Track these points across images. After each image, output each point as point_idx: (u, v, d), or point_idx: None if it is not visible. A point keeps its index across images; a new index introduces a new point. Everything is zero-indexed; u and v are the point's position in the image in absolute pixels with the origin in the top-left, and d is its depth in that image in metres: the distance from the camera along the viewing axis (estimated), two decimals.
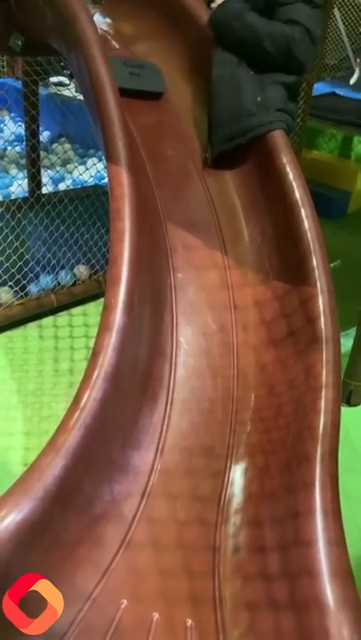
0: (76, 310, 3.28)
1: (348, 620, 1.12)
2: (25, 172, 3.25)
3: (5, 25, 2.31)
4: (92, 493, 1.37)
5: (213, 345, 1.76)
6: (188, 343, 1.74)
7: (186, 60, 2.25)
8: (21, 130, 3.14)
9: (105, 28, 2.46)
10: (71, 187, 3.37)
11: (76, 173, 3.56)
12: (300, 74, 2.02)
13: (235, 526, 1.45)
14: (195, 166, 2.07)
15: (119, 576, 1.33)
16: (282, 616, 1.21)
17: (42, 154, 3.15)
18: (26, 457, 2.30)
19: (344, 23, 5.97)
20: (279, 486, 1.41)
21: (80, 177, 3.54)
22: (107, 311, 1.44)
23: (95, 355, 1.38)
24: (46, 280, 3.17)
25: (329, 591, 1.16)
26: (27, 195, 3.05)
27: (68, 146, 4.06)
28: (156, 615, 1.29)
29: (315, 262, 1.67)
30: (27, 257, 3.04)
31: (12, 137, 3.79)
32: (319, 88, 5.36)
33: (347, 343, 2.68)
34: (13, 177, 3.46)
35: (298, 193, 1.77)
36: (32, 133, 2.99)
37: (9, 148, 3.94)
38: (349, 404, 2.74)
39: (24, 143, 3.14)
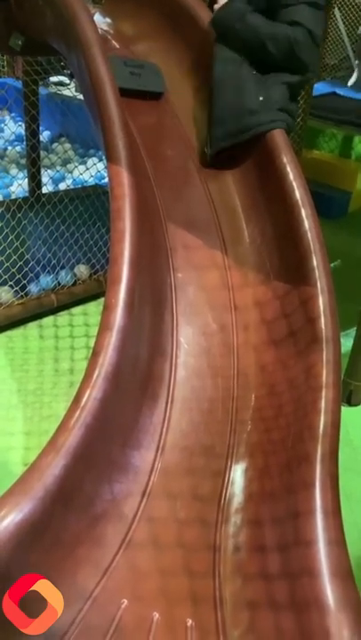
0: (77, 310, 3.28)
1: (348, 621, 1.12)
2: (25, 171, 3.25)
3: (5, 25, 2.31)
4: (92, 493, 1.37)
5: (214, 345, 1.76)
6: (188, 343, 1.74)
7: (186, 59, 2.25)
8: (22, 129, 3.14)
9: (105, 28, 2.46)
10: (71, 186, 3.37)
11: (76, 173, 3.56)
12: (303, 74, 2.02)
13: (235, 526, 1.45)
14: (195, 166, 2.07)
15: (119, 576, 1.33)
16: (282, 616, 1.21)
17: (42, 153, 3.15)
18: (26, 457, 2.30)
19: (344, 23, 5.97)
20: (279, 486, 1.42)
21: (80, 177, 3.54)
22: (107, 311, 1.44)
23: (95, 354, 1.38)
24: (46, 280, 3.17)
25: (329, 591, 1.16)
26: (27, 194, 3.05)
27: (68, 145, 4.06)
28: (156, 615, 1.29)
29: (315, 262, 1.67)
30: (27, 257, 3.04)
31: (13, 137, 3.79)
32: (319, 88, 5.36)
33: (347, 343, 2.68)
34: (14, 177, 3.46)
35: (298, 193, 1.77)
36: (32, 133, 2.99)
37: (9, 147, 3.93)
38: (350, 403, 2.74)
39: (24, 143, 3.14)
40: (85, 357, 2.85)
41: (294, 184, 1.78)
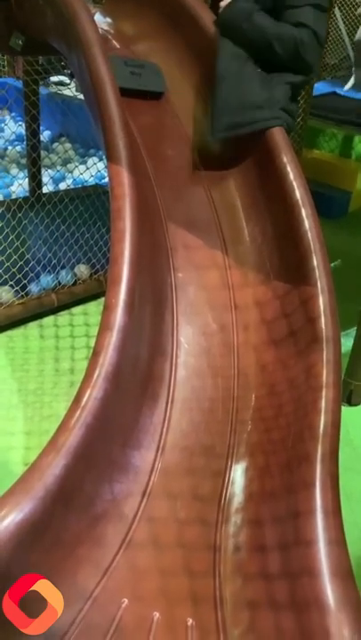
0: (77, 310, 3.28)
1: (348, 620, 1.12)
2: (25, 171, 3.25)
3: (6, 24, 2.31)
4: (92, 493, 1.37)
5: (214, 345, 1.76)
6: (188, 343, 1.74)
7: (186, 59, 2.25)
8: (22, 129, 3.14)
9: (105, 28, 2.46)
10: (72, 186, 3.37)
11: (76, 173, 3.56)
12: (306, 74, 2.04)
13: (235, 526, 1.45)
14: (195, 166, 2.07)
15: (120, 575, 1.33)
16: (282, 616, 1.21)
17: (42, 153, 3.15)
18: (26, 456, 2.30)
19: (344, 22, 5.96)
20: (280, 486, 1.42)
21: (81, 176, 3.54)
22: (107, 310, 1.44)
23: (96, 354, 1.38)
24: (47, 279, 3.17)
25: (329, 591, 1.16)
26: (27, 194, 3.05)
27: (68, 145, 4.06)
28: (156, 614, 1.29)
29: (315, 262, 1.67)
30: (27, 256, 3.04)
31: (13, 136, 3.79)
32: (320, 87, 5.35)
33: (347, 343, 2.68)
34: (14, 176, 3.46)
35: (298, 193, 1.77)
36: (33, 133, 2.99)
37: (10, 147, 3.94)
38: (350, 403, 2.74)
39: (25, 143, 3.15)
40: (86, 357, 2.85)
41: (295, 184, 1.78)
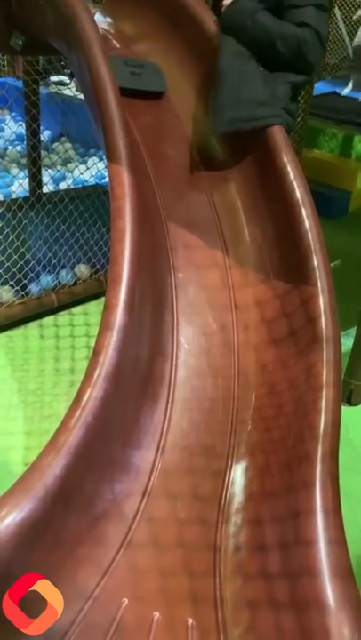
0: (77, 309, 3.28)
1: (348, 620, 1.12)
2: (26, 171, 3.25)
3: (6, 24, 2.31)
4: (92, 493, 1.37)
5: (214, 344, 1.76)
6: (188, 343, 1.74)
7: (186, 59, 2.25)
8: (22, 129, 3.14)
9: (106, 28, 2.46)
10: (72, 186, 3.37)
11: (76, 172, 3.56)
12: (308, 74, 2.04)
13: (235, 525, 1.45)
14: (195, 166, 2.07)
15: (120, 575, 1.33)
16: (282, 615, 1.21)
17: (43, 153, 3.15)
18: (27, 456, 2.30)
19: (345, 22, 5.97)
20: (280, 485, 1.42)
21: (81, 176, 3.54)
22: (108, 310, 1.44)
23: (96, 354, 1.38)
24: (47, 279, 3.17)
25: (330, 590, 1.16)
26: (27, 194, 3.05)
27: (68, 145, 4.06)
28: (156, 614, 1.29)
29: (315, 262, 1.67)
30: (27, 256, 3.04)
31: (13, 136, 3.79)
32: (320, 87, 5.35)
33: (347, 342, 2.68)
34: (14, 176, 3.46)
35: (298, 192, 1.77)
36: (33, 132, 2.99)
37: (10, 147, 3.94)
38: (350, 403, 2.74)
39: (25, 142, 3.15)
40: (86, 357, 2.85)
41: (295, 183, 1.78)
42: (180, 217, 1.93)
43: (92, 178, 3.59)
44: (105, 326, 1.41)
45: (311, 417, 1.44)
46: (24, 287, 3.07)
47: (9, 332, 3.02)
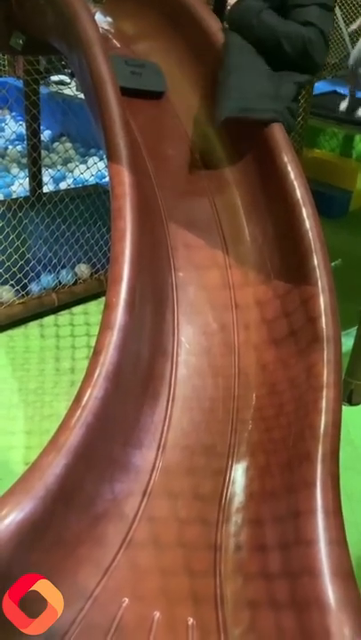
0: (78, 309, 3.28)
1: (349, 620, 1.12)
2: (26, 170, 3.25)
3: (6, 24, 2.31)
4: (93, 492, 1.37)
5: (214, 344, 1.76)
6: (189, 342, 1.74)
7: (186, 59, 2.25)
8: (22, 129, 3.14)
9: (106, 27, 2.46)
10: (72, 186, 3.37)
11: (77, 172, 3.56)
12: (313, 73, 2.05)
13: (236, 525, 1.45)
14: (196, 165, 2.06)
15: (120, 575, 1.33)
16: (283, 615, 1.21)
17: (43, 153, 3.15)
18: (27, 456, 2.30)
19: (345, 22, 5.97)
20: (280, 485, 1.42)
21: (81, 176, 3.54)
22: (108, 310, 1.44)
23: (96, 353, 1.38)
24: (47, 279, 3.18)
25: (330, 591, 1.16)
26: (28, 194, 3.05)
27: (69, 145, 4.06)
28: (157, 614, 1.29)
29: (316, 262, 1.67)
30: (28, 256, 3.04)
31: (14, 136, 3.79)
32: (320, 87, 5.36)
33: (348, 342, 2.68)
34: (15, 176, 3.46)
35: (299, 192, 1.76)
36: (33, 132, 2.99)
37: (10, 147, 3.94)
38: (350, 403, 2.74)
39: (25, 142, 3.15)
40: (86, 356, 2.85)
41: (295, 183, 1.78)
42: (181, 216, 1.93)
43: (93, 177, 3.59)
44: (105, 326, 1.41)
45: (312, 417, 1.44)
46: (24, 287, 3.07)
47: (9, 332, 3.02)
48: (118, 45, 2.39)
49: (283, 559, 1.28)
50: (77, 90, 3.90)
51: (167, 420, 1.60)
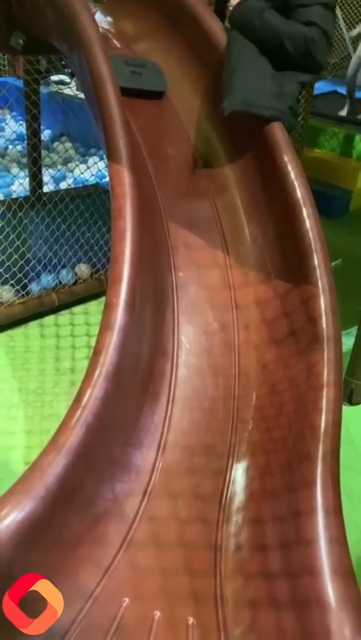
0: (78, 309, 3.28)
1: (349, 619, 1.12)
2: (26, 170, 3.25)
3: (6, 24, 2.31)
4: (93, 492, 1.37)
5: (215, 344, 1.76)
6: (189, 342, 1.74)
7: (186, 59, 2.25)
8: (23, 128, 3.14)
9: (106, 27, 2.46)
10: (72, 185, 3.37)
11: (77, 172, 3.56)
12: (316, 73, 2.05)
13: (236, 525, 1.45)
14: (196, 165, 2.07)
15: (121, 574, 1.33)
16: (283, 614, 1.21)
17: (43, 152, 3.15)
18: (27, 456, 2.30)
19: (345, 21, 5.97)
20: (281, 485, 1.42)
21: (81, 176, 3.54)
22: (108, 310, 1.44)
23: (97, 353, 1.38)
24: (47, 279, 3.18)
25: (330, 590, 1.16)
26: (28, 193, 3.05)
27: (69, 144, 4.06)
28: (157, 613, 1.29)
29: (316, 261, 1.67)
30: (28, 256, 3.04)
31: (14, 136, 3.79)
32: (320, 87, 5.36)
33: (348, 342, 2.68)
34: (15, 176, 3.46)
35: (299, 192, 1.76)
36: (33, 132, 2.99)
37: (10, 146, 3.94)
38: (351, 402, 2.74)
39: (25, 142, 3.15)
40: (86, 356, 2.85)
41: (295, 183, 1.78)
42: (181, 216, 1.93)
43: (93, 177, 3.59)
44: (105, 326, 1.41)
45: (312, 416, 1.44)
46: (25, 287, 3.07)
47: (9, 332, 3.02)
48: (118, 45, 2.39)
49: (283, 558, 1.28)
50: (77, 90, 3.90)
51: (167, 419, 1.60)
